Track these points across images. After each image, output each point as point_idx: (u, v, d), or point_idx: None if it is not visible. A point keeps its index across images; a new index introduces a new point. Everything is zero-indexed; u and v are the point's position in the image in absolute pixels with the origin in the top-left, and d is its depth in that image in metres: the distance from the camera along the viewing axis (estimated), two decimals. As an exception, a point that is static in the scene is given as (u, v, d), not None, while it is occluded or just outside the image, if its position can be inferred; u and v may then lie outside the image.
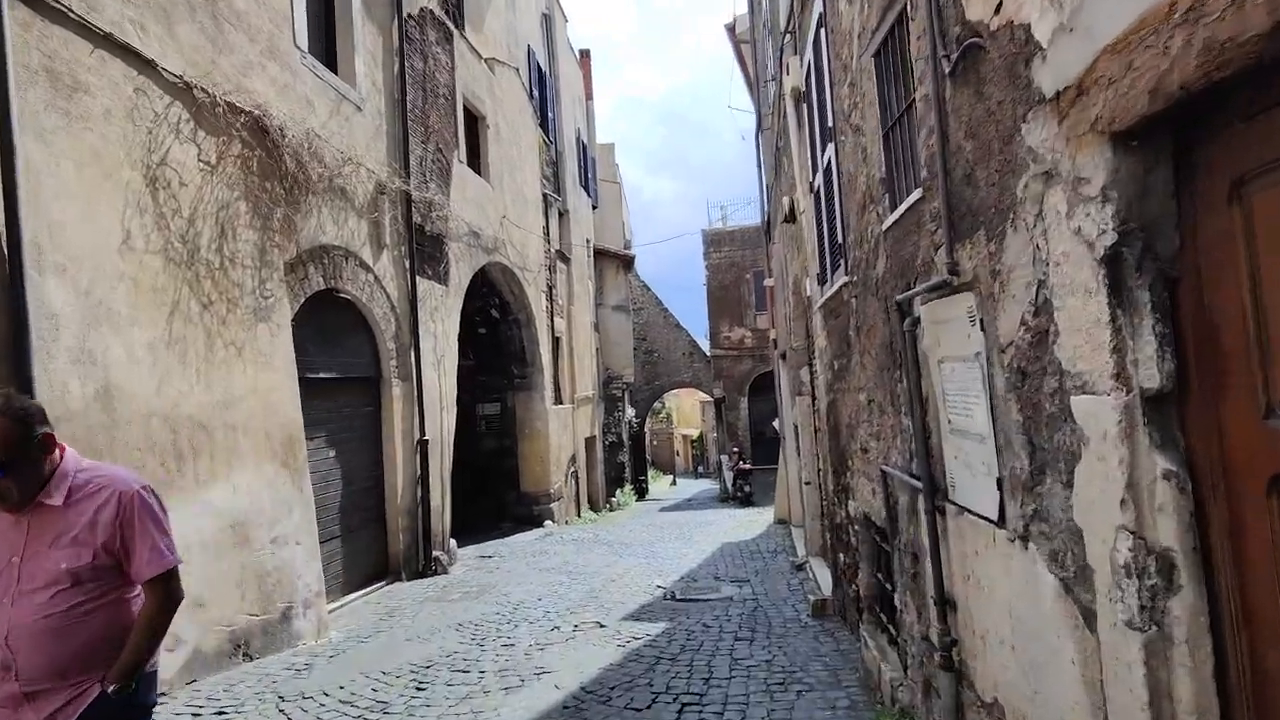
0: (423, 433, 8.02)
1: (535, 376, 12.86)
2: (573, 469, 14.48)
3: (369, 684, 4.29)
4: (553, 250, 14.21)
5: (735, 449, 18.88)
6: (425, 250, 8.47)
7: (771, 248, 9.89)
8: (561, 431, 13.64)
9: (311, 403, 6.31)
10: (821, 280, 4.60)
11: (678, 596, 6.58)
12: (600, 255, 18.59)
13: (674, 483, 33.07)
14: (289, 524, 5.40)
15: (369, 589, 7.04)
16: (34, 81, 3.82)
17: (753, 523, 12.45)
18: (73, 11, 4.06)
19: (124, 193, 4.32)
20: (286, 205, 5.88)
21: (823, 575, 6.45)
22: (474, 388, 13.03)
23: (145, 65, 4.57)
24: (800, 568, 7.39)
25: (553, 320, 13.77)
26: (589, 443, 16.01)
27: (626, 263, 19.60)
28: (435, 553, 8.01)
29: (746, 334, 21.72)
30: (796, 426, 7.58)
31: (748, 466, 16.91)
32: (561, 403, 14.09)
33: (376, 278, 7.37)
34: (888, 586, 3.52)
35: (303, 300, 6.20)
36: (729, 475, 18.97)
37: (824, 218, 4.25)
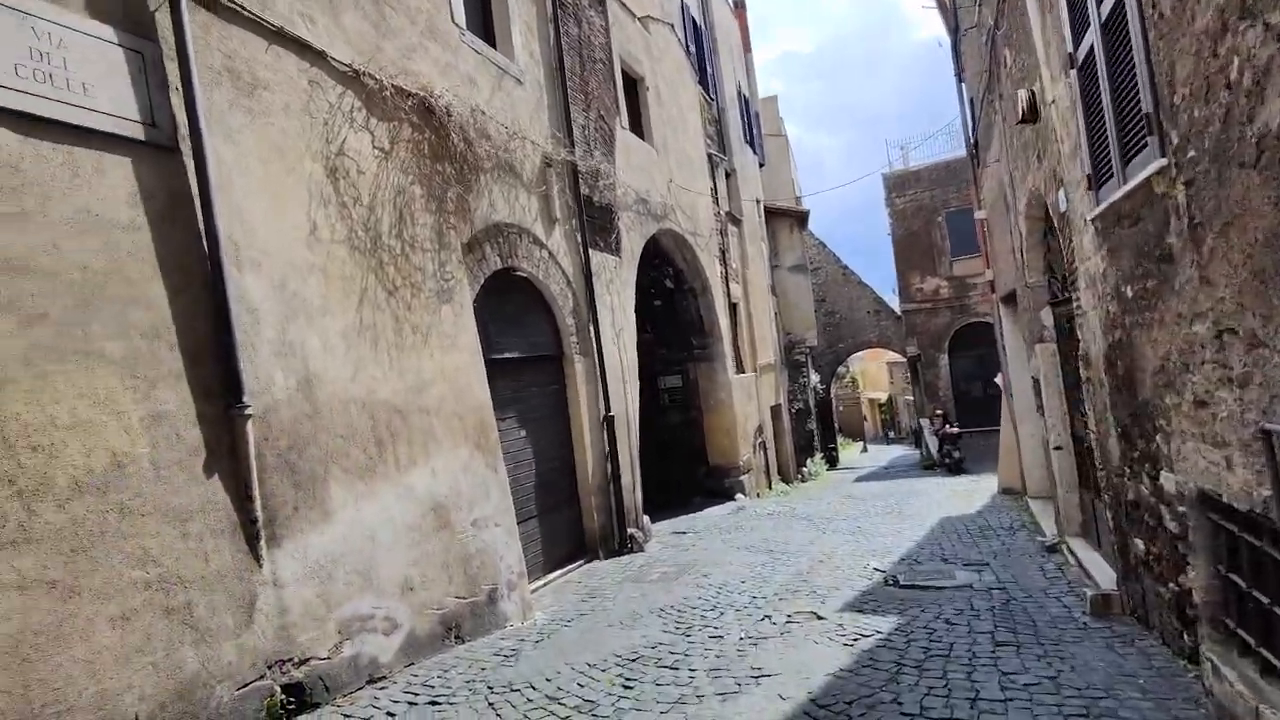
0: (608, 409, 7.78)
1: (715, 346, 12.30)
2: (760, 439, 13.78)
3: (575, 677, 4.00)
4: (722, 212, 13.47)
5: (939, 411, 16.96)
6: (595, 221, 8.18)
7: (982, 173, 8.35)
8: (746, 401, 12.98)
9: (498, 383, 6.23)
10: (1096, 182, 3.45)
11: (902, 582, 5.68)
12: (771, 214, 17.50)
13: (864, 449, 31.07)
14: (487, 506, 5.32)
15: (568, 568, 6.95)
16: (217, 82, 3.85)
17: (970, 493, 10.93)
18: (246, 9, 4.07)
19: (307, 184, 4.33)
20: (458, 185, 5.77)
21: (1091, 561, 5.19)
22: (654, 361, 12.78)
23: (316, 57, 4.56)
24: (1052, 549, 6.11)
25: (728, 286, 13.09)
26: (774, 411, 15.19)
27: (800, 219, 18.28)
28: (629, 530, 7.78)
29: (942, 284, 19.41)
30: (1037, 380, 6.23)
31: (955, 430, 15.06)
32: (743, 371, 13.42)
33: (550, 253, 7.17)
34: (1255, 595, 2.45)
35: (481, 281, 6.11)
36: (932, 440, 17.13)
37: (1103, 93, 3.12)
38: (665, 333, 12.58)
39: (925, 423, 18.64)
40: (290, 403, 3.86)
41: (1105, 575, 4.80)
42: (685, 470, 12.45)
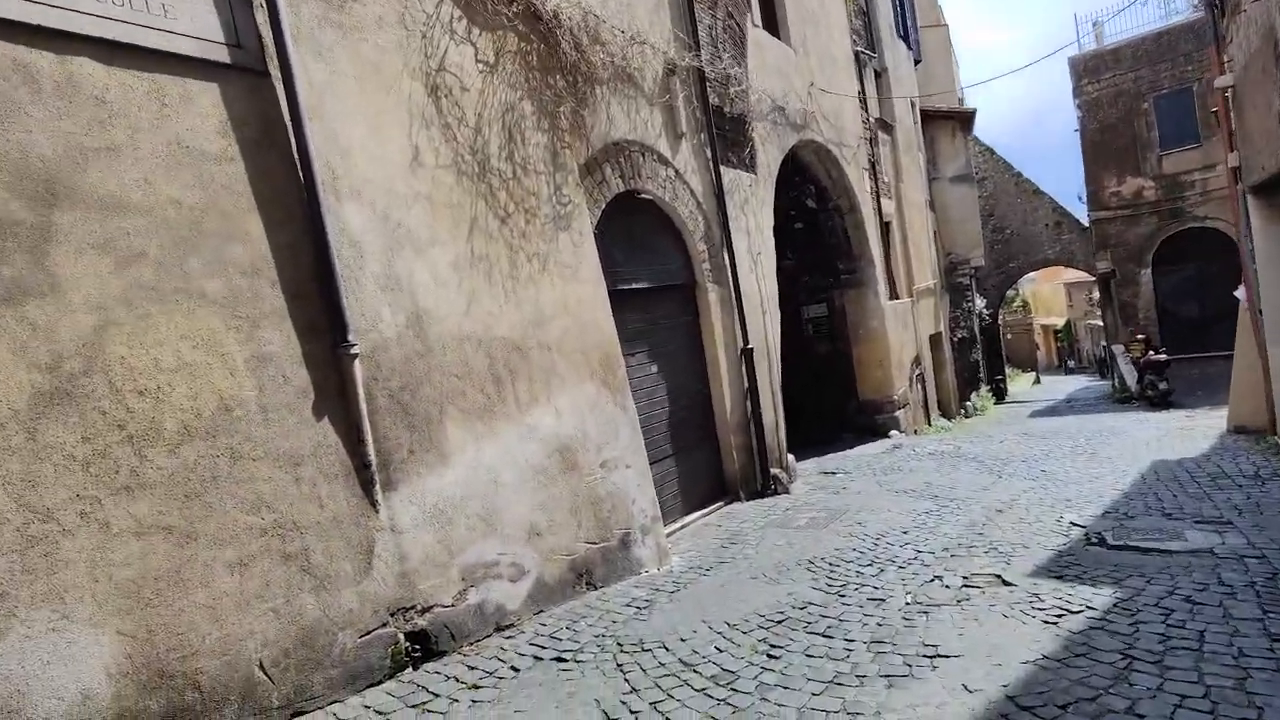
0: (745, 341, 7.10)
1: (865, 270, 11.06)
2: (917, 371, 12.45)
3: (712, 639, 3.56)
4: (872, 119, 11.89)
5: (1139, 336, 14.40)
6: (726, 135, 7.33)
7: (1230, 24, 6.40)
8: (900, 330, 11.68)
9: (625, 315, 5.77)
10: None
11: (1110, 542, 4.64)
12: (929, 118, 15.36)
13: (1037, 381, 27.87)
14: (616, 446, 4.95)
15: (706, 510, 6.52)
16: (304, -5, 3.52)
17: (1186, 431, 9.11)
18: (329, -89, 3.68)
19: (407, 106, 3.97)
20: (571, 99, 5.21)
21: (1401, 524, 3.86)
22: (797, 290, 11.79)
23: (408, -40, 4.12)
24: (1327, 505, 4.72)
25: (879, 203, 11.65)
26: (934, 340, 13.65)
27: (964, 122, 15.90)
28: (772, 470, 7.18)
29: (1146, 185, 16.17)
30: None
31: (1162, 356, 12.66)
32: (897, 297, 12.05)
33: (677, 172, 6.49)
34: None
35: (603, 205, 5.59)
36: (1129, 370, 14.68)
37: None
38: (808, 258, 11.50)
39: (1119, 349, 16.03)
40: (400, 340, 3.61)
41: None
42: (833, 406, 11.54)
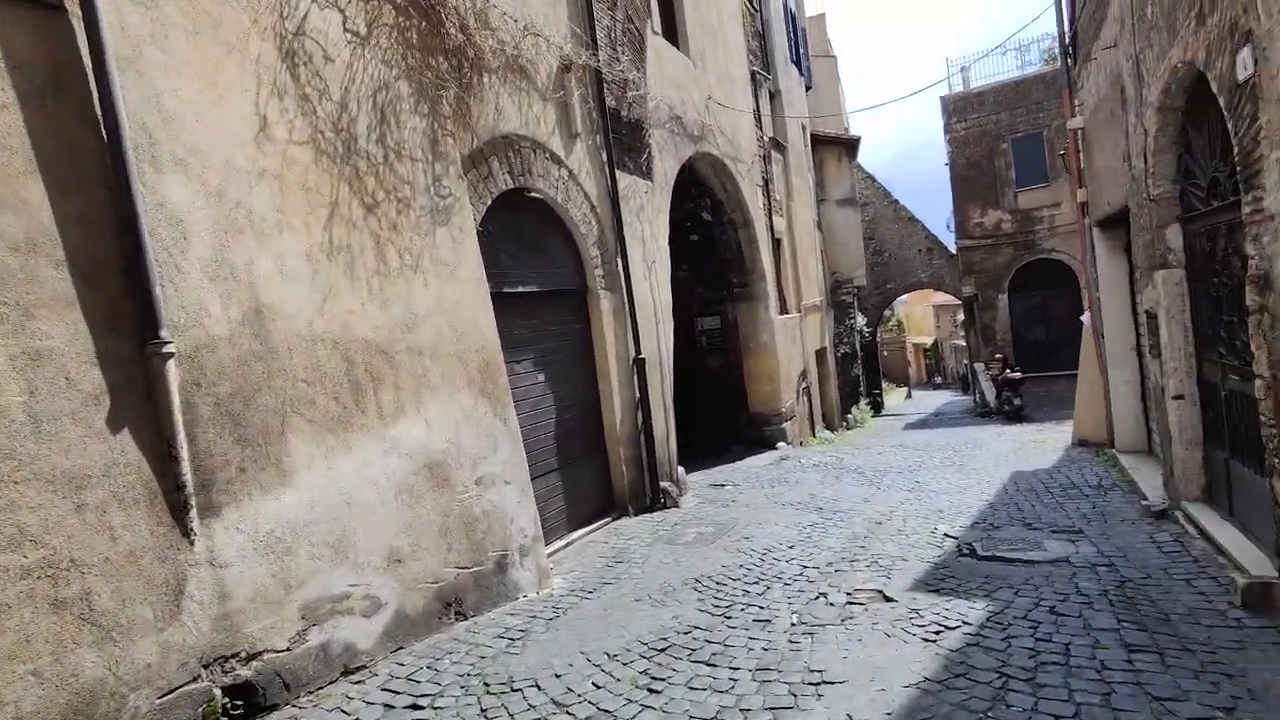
0: (638, 350, 6.90)
1: (757, 285, 11.23)
2: (804, 384, 12.80)
3: (590, 672, 3.25)
4: (766, 138, 12.16)
5: (998, 355, 15.62)
6: (623, 139, 7.13)
7: (1081, 73, 6.96)
8: (789, 344, 11.96)
9: (510, 320, 5.40)
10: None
11: (980, 553, 4.78)
12: (818, 142, 16.00)
13: (909, 395, 29.79)
14: (495, 461, 4.55)
15: (593, 526, 6.22)
16: (120, -76, 2.94)
17: (1038, 443, 9.84)
18: None
19: (255, 70, 3.44)
20: (456, 85, 4.80)
21: (1227, 536, 4.19)
22: (692, 301, 11.80)
23: (263, -94, 3.59)
24: (1161, 515, 5.10)
25: (771, 219, 11.90)
26: (819, 355, 14.13)
27: (849, 148, 16.70)
28: (662, 484, 7.00)
29: (1004, 217, 17.66)
30: (1152, 315, 5.10)
31: (1017, 375, 13.77)
32: (787, 312, 12.35)
33: (571, 173, 6.19)
34: None
35: (489, 201, 5.20)
36: (988, 386, 15.88)
37: None
38: (703, 270, 11.54)
39: (980, 367, 17.32)
40: (233, 339, 3.07)
41: (1250, 556, 3.81)
42: (724, 418, 11.61)
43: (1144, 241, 5.17)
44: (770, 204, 11.95)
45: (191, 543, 2.74)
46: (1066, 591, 3.85)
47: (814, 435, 12.96)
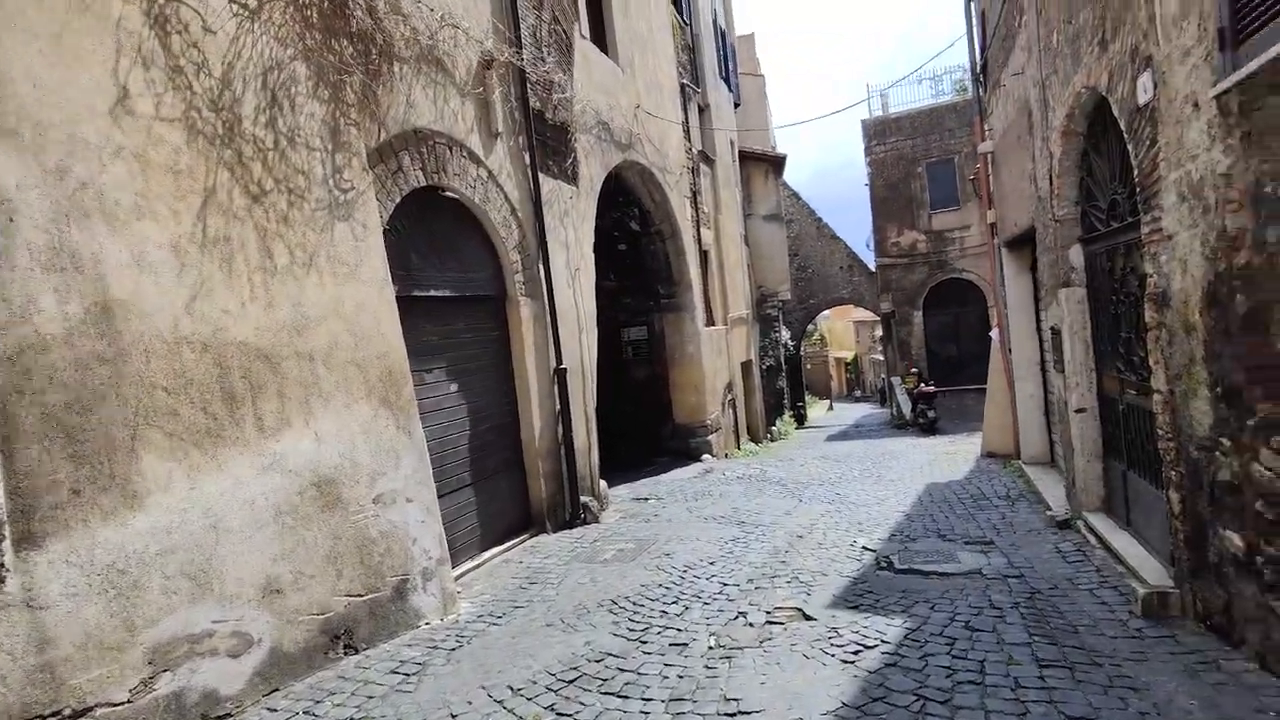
0: (559, 360, 6.64)
1: (684, 296, 11.17)
2: (729, 397, 12.83)
3: (490, 712, 2.96)
4: (694, 150, 12.19)
5: (914, 369, 16.22)
6: (548, 142, 6.89)
7: (991, 99, 7.24)
8: (715, 356, 11.96)
9: (420, 326, 5.06)
10: (1233, 39, 2.36)
11: (898, 566, 4.76)
12: (745, 158, 16.23)
13: (831, 408, 30.67)
14: (397, 477, 4.19)
15: (509, 544, 5.89)
16: None
17: (950, 455, 10.17)
18: None
19: (115, 34, 3.01)
20: (363, 72, 4.45)
21: (1124, 545, 4.31)
22: (617, 311, 11.64)
23: None
24: (1065, 525, 5.24)
25: (699, 231, 11.90)
26: (745, 368, 14.23)
27: (776, 165, 17.04)
28: (583, 498, 6.74)
29: (919, 238, 18.44)
30: (1056, 331, 5.27)
31: (931, 389, 14.31)
32: (713, 324, 12.36)
33: (491, 173, 5.90)
34: None
35: (397, 199, 4.85)
36: (904, 399, 16.44)
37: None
38: (630, 280, 11.41)
39: (897, 381, 17.94)
40: (71, 339, 2.64)
41: (1148, 566, 3.91)
42: (649, 429, 11.46)
43: (1049, 260, 5.34)
44: (698, 216, 11.96)
45: (2, 580, 2.29)
46: (980, 605, 3.85)
47: (739, 447, 12.99)
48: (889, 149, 18.51)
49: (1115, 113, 3.60)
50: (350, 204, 4.20)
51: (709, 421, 11.25)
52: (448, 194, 5.45)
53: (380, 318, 4.27)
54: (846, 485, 8.12)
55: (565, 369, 6.67)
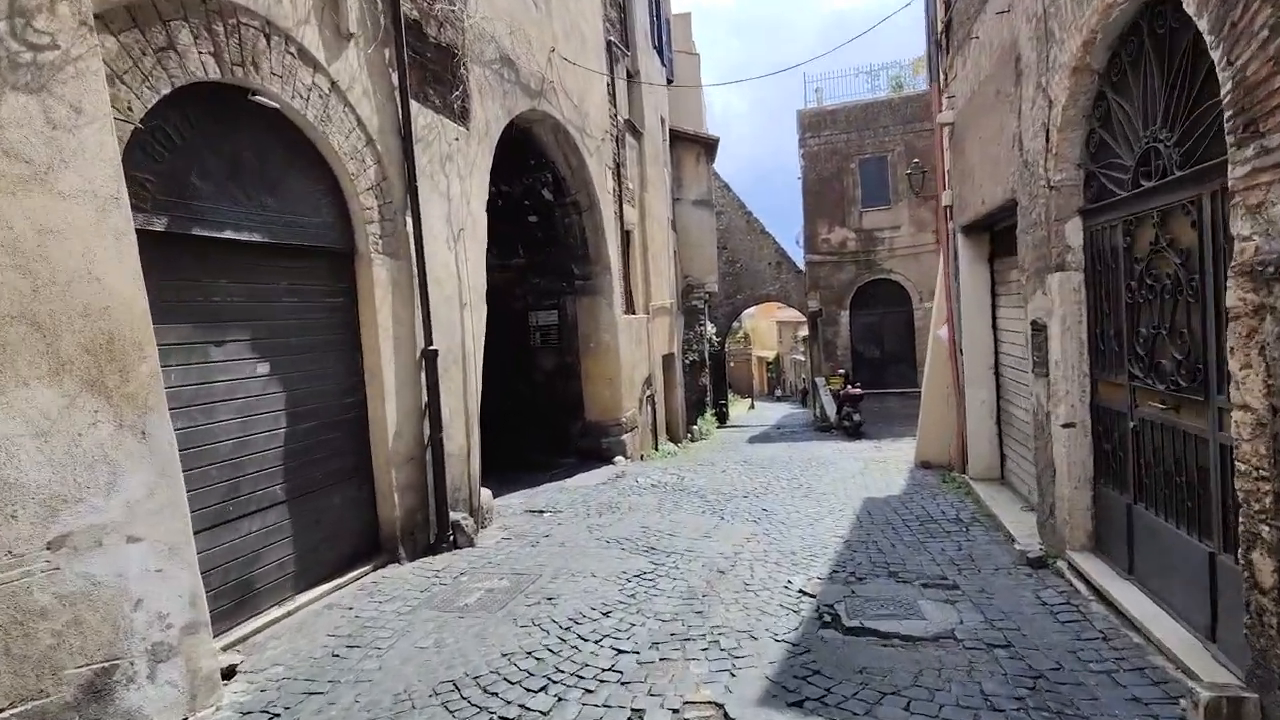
0: (429, 340, 5.16)
1: (601, 278, 9.82)
2: (649, 392, 11.60)
3: None
4: (621, 118, 10.85)
5: (841, 371, 15.52)
6: (428, 65, 5.38)
7: (952, 61, 6.25)
8: (634, 347, 10.69)
9: (210, 281, 3.54)
10: None
11: (847, 623, 3.61)
12: (676, 139, 15.03)
13: (752, 406, 30.11)
14: (109, 505, 2.65)
15: (344, 579, 4.39)
16: None
17: (881, 463, 9.30)
18: None
19: None
20: (92, -124, 2.85)
21: (1139, 607, 3.31)
22: (526, 292, 10.19)
23: None
24: (1039, 564, 4.24)
25: (621, 208, 10.58)
26: (667, 361, 13.04)
27: (708, 149, 15.93)
28: (454, 515, 5.30)
29: (849, 236, 17.80)
30: (1039, 327, 4.26)
31: (858, 391, 13.57)
32: (634, 312, 11.09)
33: (335, 85, 4.36)
34: None
35: (166, 91, 3.27)
36: (829, 401, 15.72)
37: None
38: (541, 257, 9.97)
39: (821, 382, 17.25)
40: None
41: (1182, 642, 2.90)
42: (557, 426, 10.07)
43: (1033, 240, 4.32)
44: (621, 191, 10.63)
45: None
46: (972, 703, 2.71)
47: (656, 448, 11.79)
48: (823, 142, 17.78)
49: (1191, 9, 2.51)
50: (45, 70, 2.61)
51: (624, 419, 9.96)
52: (260, 100, 3.88)
53: (95, 255, 2.71)
54: (774, 498, 7.01)
55: (437, 351, 5.20)
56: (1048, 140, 3.92)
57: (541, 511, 6.63)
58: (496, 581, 4.43)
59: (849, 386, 13.88)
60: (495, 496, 7.32)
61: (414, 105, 5.14)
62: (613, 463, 9.53)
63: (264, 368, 3.99)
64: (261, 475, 3.91)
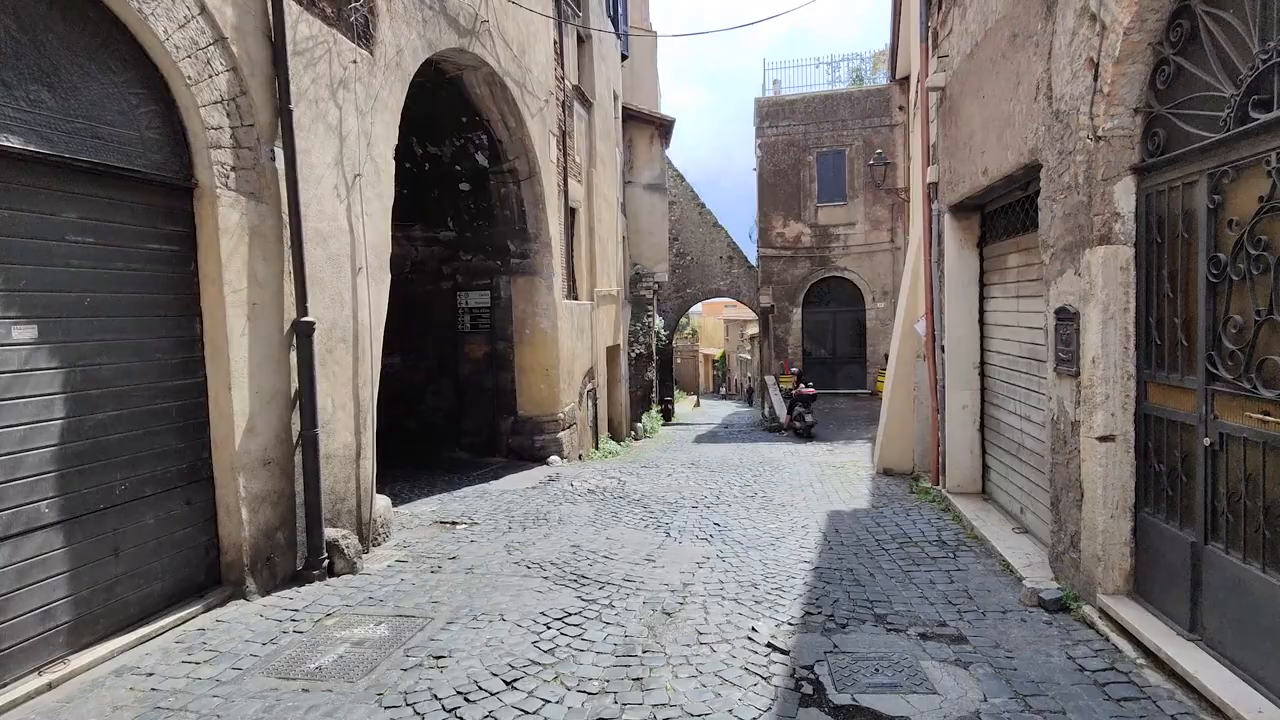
0: (302, 309, 3.97)
1: (540, 256, 8.70)
2: (590, 386, 10.55)
3: None
4: (569, 83, 9.74)
5: (795, 369, 14.83)
6: (315, -41, 4.18)
7: (955, 8, 5.42)
8: (576, 336, 9.62)
9: None
10: None
11: (834, 699, 2.67)
12: (630, 118, 14.02)
13: (698, 404, 29.45)
14: None
15: (151, 629, 3.18)
16: None
17: (838, 469, 8.54)
18: None
19: None
20: None
21: (1220, 686, 2.47)
22: (456, 270, 8.97)
23: None
24: (1060, 608, 3.42)
25: (566, 183, 9.48)
26: (611, 353, 12.02)
27: (663, 130, 14.97)
28: (331, 533, 4.13)
29: (804, 231, 17.15)
30: (1070, 314, 3.43)
31: (811, 390, 12.86)
32: (577, 298, 10.01)
33: (161, -51, 3.14)
34: None
35: None
36: (778, 400, 15.02)
37: None
38: (472, 231, 8.78)
39: (771, 380, 16.57)
40: None
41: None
42: (486, 420, 8.92)
43: (1063, 209, 3.48)
44: (566, 163, 9.53)
45: None
46: None
47: (596, 447, 10.75)
48: (781, 133, 17.06)
49: None
50: None
51: (561, 415, 8.88)
52: (26, -58, 2.65)
53: None
54: (727, 509, 6.08)
55: (313, 324, 4.01)
56: (1096, 78, 3.07)
57: (454, 523, 5.50)
58: (372, 629, 3.31)
59: (801, 386, 13.16)
60: (403, 503, 6.16)
61: (296, 9, 3.95)
62: (546, 463, 8.46)
63: (27, 332, 2.76)
64: (15, 487, 2.68)
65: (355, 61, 4.57)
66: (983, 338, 5.54)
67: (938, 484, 6.03)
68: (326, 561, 4.05)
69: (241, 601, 3.59)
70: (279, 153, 3.85)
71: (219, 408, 3.56)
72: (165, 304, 3.36)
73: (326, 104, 4.29)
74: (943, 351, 5.72)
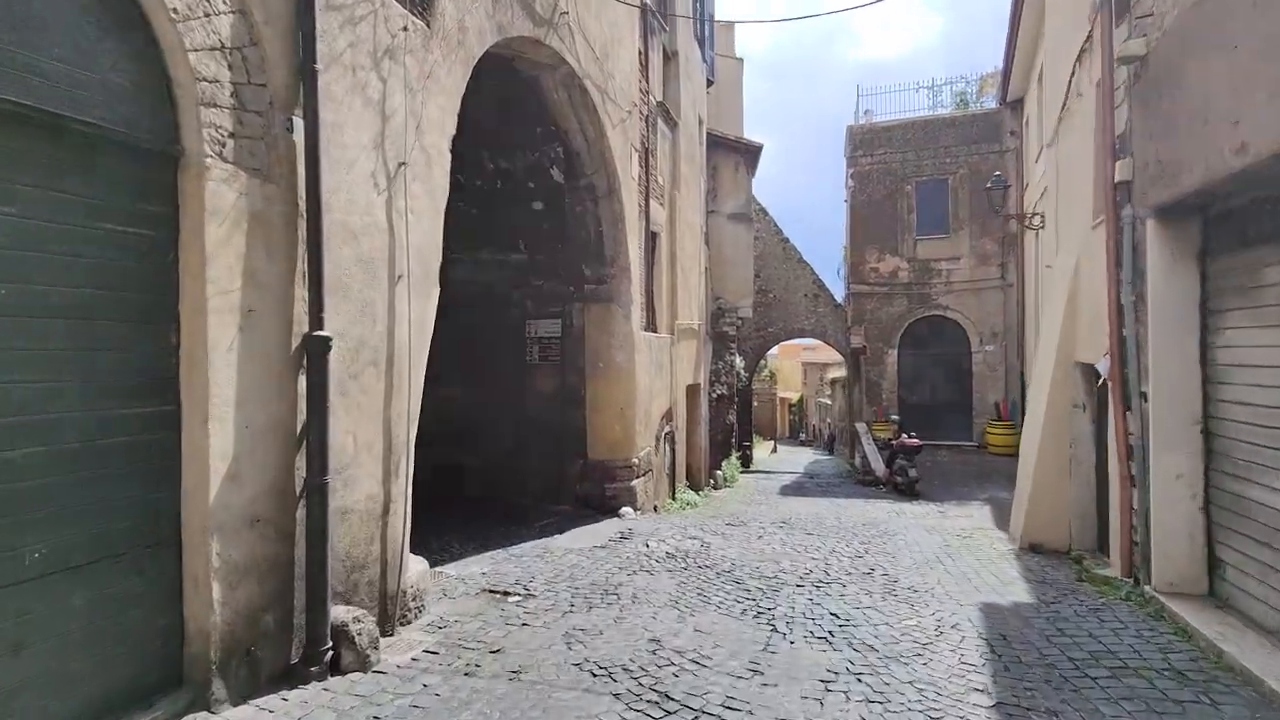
0: (317, 321, 3.06)
1: (618, 283, 7.74)
2: (668, 429, 9.40)
3: None
4: (653, 98, 8.92)
5: (894, 416, 13.20)
6: (362, -98, 3.41)
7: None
8: (654, 373, 8.55)
9: None
10: None
11: None
12: (714, 144, 13.12)
13: (775, 450, 27.63)
14: None
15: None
16: None
17: (964, 538, 6.96)
18: None
19: None
20: None
21: None
22: (525, 296, 8.14)
23: None
24: None
25: (648, 202, 8.57)
26: (691, 393, 10.87)
27: (749, 157, 13.99)
28: (340, 614, 3.12)
29: (902, 265, 15.61)
30: None
31: (916, 442, 11.23)
32: (656, 331, 8.98)
33: None
34: None
35: None
36: (873, 451, 13.35)
37: None
38: (545, 253, 7.95)
39: (863, 428, 14.90)
40: None
41: None
42: (552, 462, 7.90)
43: None
44: (649, 182, 8.63)
45: None
46: None
47: (673, 497, 9.53)
48: (875, 161, 15.74)
49: None
50: None
51: (636, 461, 7.76)
52: None
53: None
54: (843, 591, 4.73)
55: (330, 341, 3.09)
56: None
57: (506, 593, 4.43)
58: (361, 781, 2.23)
59: (904, 436, 11.52)
60: (451, 559, 5.17)
61: (328, -49, 3.17)
62: (618, 515, 7.32)
63: (-105, 332, 1.91)
64: None
65: (406, 29, 3.77)
66: (1206, 382, 4.06)
67: (1129, 576, 4.48)
68: (329, 653, 3.03)
69: (204, 715, 2.59)
70: (299, 123, 3.01)
71: (192, 445, 2.65)
72: (130, 306, 2.50)
73: (367, 73, 3.47)
74: (1145, 401, 4.26)
